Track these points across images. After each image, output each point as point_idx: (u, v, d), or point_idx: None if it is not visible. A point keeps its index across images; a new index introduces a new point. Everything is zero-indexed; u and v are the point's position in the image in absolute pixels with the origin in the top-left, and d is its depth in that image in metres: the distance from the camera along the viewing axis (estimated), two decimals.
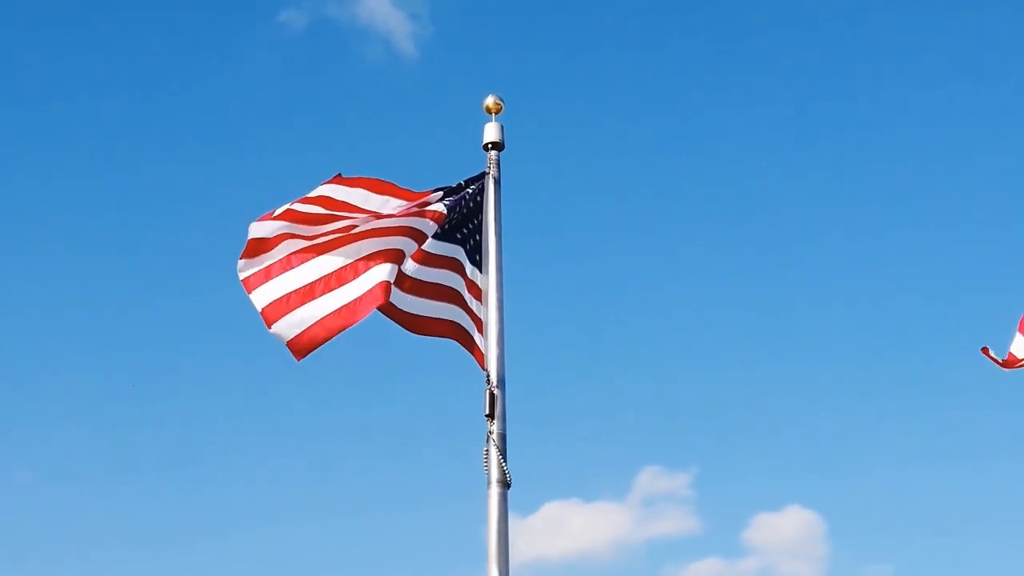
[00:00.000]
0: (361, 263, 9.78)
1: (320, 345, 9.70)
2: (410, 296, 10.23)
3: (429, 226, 10.19)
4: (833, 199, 35.89)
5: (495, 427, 9.87)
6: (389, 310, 9.97)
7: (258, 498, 30.76)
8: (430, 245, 10.33)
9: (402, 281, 10.00)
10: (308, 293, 9.76)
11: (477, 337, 10.33)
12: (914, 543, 30.60)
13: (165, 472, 30.73)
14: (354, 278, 9.77)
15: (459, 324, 10.35)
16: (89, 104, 34.60)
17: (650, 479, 32.36)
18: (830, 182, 35.96)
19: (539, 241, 30.97)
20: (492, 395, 9.98)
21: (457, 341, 10.32)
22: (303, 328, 9.70)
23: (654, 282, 35.27)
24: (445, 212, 10.29)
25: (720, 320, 34.66)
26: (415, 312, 10.26)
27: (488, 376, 10.09)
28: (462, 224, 10.55)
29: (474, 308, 10.43)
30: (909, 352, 34.27)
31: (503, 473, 9.74)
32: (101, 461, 30.92)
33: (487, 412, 9.92)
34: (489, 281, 10.48)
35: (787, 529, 32.32)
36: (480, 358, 10.23)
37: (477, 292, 10.51)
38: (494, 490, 9.66)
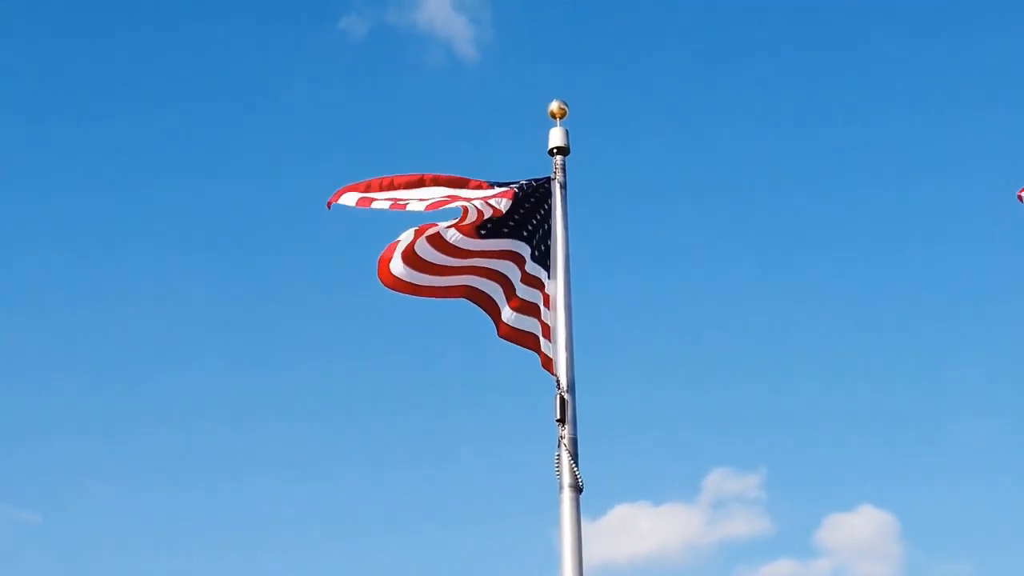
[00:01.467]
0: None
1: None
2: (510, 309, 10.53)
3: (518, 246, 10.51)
4: (908, 202, 35.55)
5: (566, 432, 9.88)
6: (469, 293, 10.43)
7: (334, 502, 30.90)
8: (528, 266, 10.58)
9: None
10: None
11: (544, 343, 10.35)
12: (992, 542, 30.20)
13: (259, 475, 30.94)
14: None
15: (534, 335, 10.46)
16: (153, 111, 34.98)
17: (720, 480, 32.20)
18: (908, 185, 35.61)
19: (605, 245, 30.91)
20: (562, 400, 9.99)
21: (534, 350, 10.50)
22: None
23: (721, 284, 35.13)
24: (503, 210, 10.39)
25: (789, 321, 34.44)
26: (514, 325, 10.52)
27: (558, 381, 10.11)
28: (525, 222, 10.57)
29: (545, 317, 10.47)
30: (984, 351, 33.85)
31: (575, 478, 9.74)
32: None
33: (558, 417, 9.94)
34: (557, 287, 10.50)
35: (860, 529, 32.03)
36: (548, 363, 10.25)
37: (547, 299, 10.52)
38: (566, 494, 9.67)
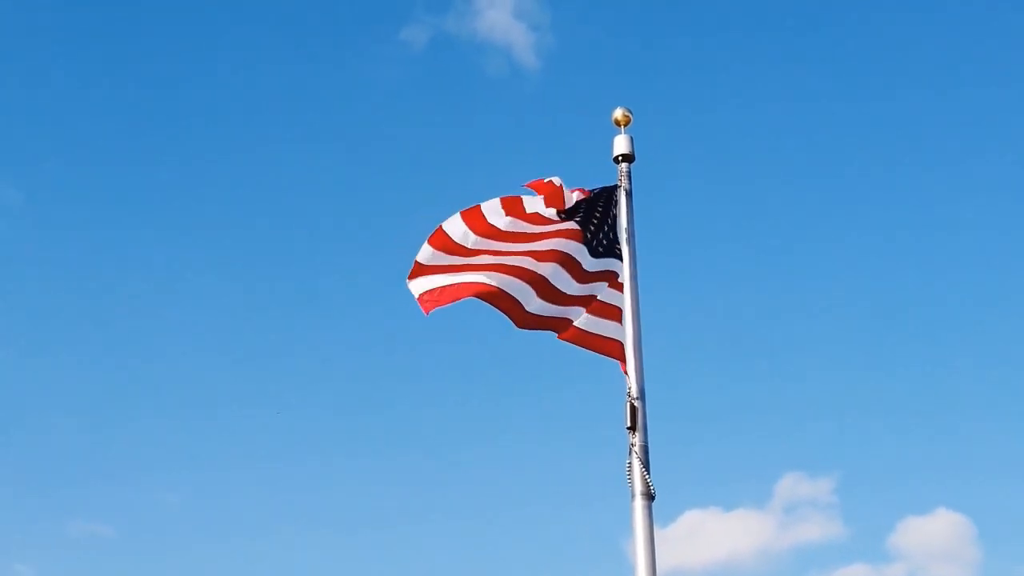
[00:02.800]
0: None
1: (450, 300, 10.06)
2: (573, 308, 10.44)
3: (573, 246, 10.40)
4: (982, 196, 35.11)
5: (637, 439, 9.86)
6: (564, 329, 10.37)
7: (413, 500, 30.96)
8: (589, 264, 10.54)
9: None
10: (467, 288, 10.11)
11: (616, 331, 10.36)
12: None
13: (335, 458, 31.09)
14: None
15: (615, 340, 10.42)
16: (215, 126, 35.32)
17: (791, 485, 31.96)
18: (977, 180, 35.19)
19: (672, 252, 30.81)
20: (633, 407, 9.98)
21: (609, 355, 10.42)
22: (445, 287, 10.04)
23: (790, 287, 34.89)
24: (580, 229, 10.41)
25: (860, 323, 34.13)
26: (590, 330, 10.44)
27: (629, 388, 10.10)
28: (597, 233, 10.58)
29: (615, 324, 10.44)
30: None
31: (647, 485, 9.71)
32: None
33: (628, 424, 9.93)
34: (625, 294, 10.49)
35: (935, 533, 31.64)
36: (619, 352, 10.25)
37: (617, 304, 10.52)
38: (638, 502, 9.65)
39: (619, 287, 10.48)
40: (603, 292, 10.53)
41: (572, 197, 10.50)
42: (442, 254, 10.24)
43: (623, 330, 10.29)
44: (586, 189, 10.63)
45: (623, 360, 10.20)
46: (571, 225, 10.47)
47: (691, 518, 30.71)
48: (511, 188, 10.69)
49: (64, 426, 30.63)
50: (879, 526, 32.43)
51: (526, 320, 10.34)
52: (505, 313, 10.24)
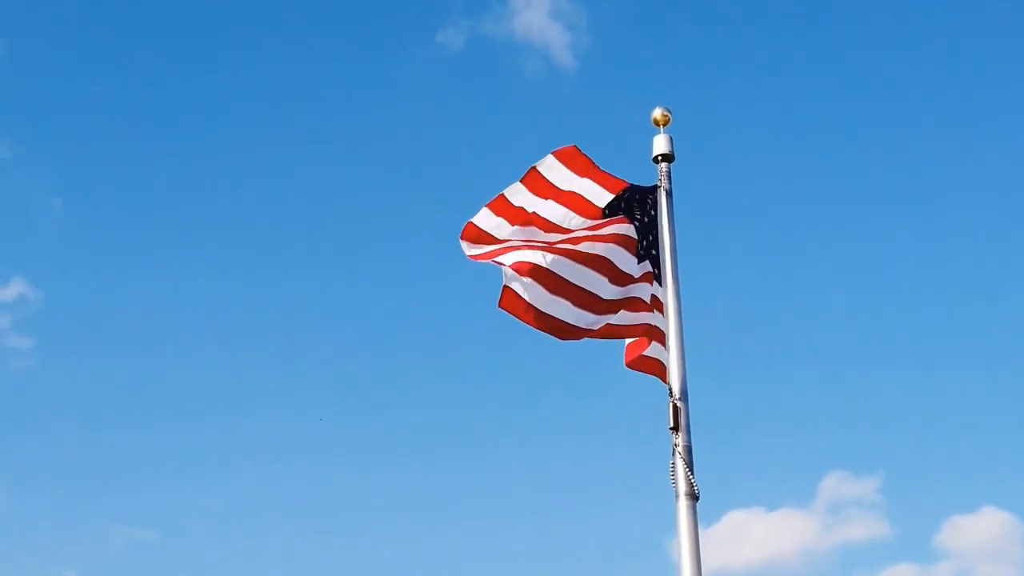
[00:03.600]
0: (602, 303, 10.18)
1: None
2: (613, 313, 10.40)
3: (628, 257, 10.42)
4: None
5: (680, 439, 9.82)
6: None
7: (458, 501, 31.01)
8: (635, 270, 10.49)
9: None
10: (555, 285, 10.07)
11: (657, 349, 10.30)
12: None
13: (408, 460, 31.15)
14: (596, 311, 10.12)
15: (648, 325, 10.44)
16: (253, 131, 35.49)
17: (835, 485, 31.78)
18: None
19: (714, 252, 30.70)
20: (676, 408, 9.94)
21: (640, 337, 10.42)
22: (533, 306, 9.96)
23: (833, 286, 34.71)
24: (636, 237, 10.43)
25: (905, 321, 33.90)
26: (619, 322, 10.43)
27: (671, 389, 10.06)
28: (643, 237, 10.58)
29: (657, 323, 10.44)
30: None
31: (691, 486, 9.67)
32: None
33: (671, 425, 9.88)
34: (667, 294, 10.47)
35: (982, 531, 31.37)
36: (662, 371, 10.21)
37: (659, 305, 10.50)
38: (682, 503, 9.61)
39: (660, 305, 10.43)
40: (645, 292, 10.49)
41: (600, 192, 10.46)
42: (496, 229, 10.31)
43: (665, 352, 10.24)
44: (618, 178, 10.61)
45: (663, 376, 10.15)
46: (616, 229, 10.43)
47: (734, 518, 30.61)
48: None
49: (106, 432, 30.87)
50: (925, 525, 32.23)
51: (573, 333, 10.33)
52: (551, 332, 10.23)
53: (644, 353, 10.35)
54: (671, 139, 11.05)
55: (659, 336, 10.33)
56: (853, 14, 36.32)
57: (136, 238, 33.86)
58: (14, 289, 31.79)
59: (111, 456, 30.61)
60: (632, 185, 10.70)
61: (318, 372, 32.79)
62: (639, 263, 10.49)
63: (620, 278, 10.41)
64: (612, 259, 10.34)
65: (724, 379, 29.74)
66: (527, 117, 35.57)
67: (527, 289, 10.00)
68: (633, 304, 10.45)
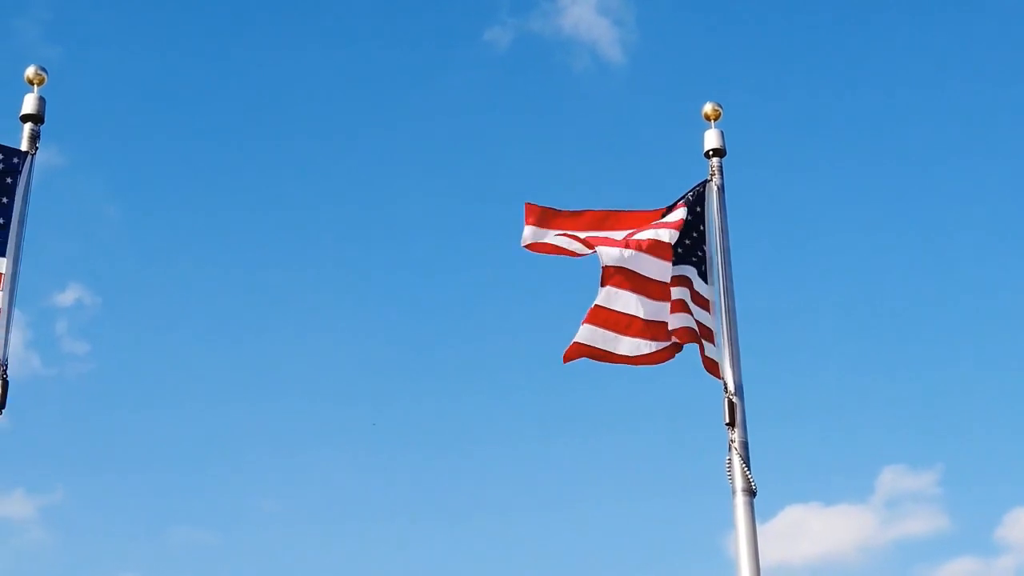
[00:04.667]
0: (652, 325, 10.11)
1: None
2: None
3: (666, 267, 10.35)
4: None
5: (736, 435, 9.78)
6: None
7: (518, 495, 30.99)
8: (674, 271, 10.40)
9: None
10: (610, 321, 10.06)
11: (707, 345, 10.25)
12: None
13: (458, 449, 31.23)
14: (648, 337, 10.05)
15: (693, 330, 10.32)
16: (300, 131, 35.67)
17: (893, 479, 31.49)
18: None
19: (767, 246, 30.49)
20: (731, 403, 9.90)
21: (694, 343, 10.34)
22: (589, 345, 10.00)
23: (888, 279, 34.40)
24: (669, 240, 10.36)
25: (960, 312, 33.56)
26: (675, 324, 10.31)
27: (725, 384, 10.03)
28: (685, 237, 10.48)
29: (703, 319, 10.36)
30: None
31: (748, 481, 9.63)
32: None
33: (727, 420, 9.85)
34: (719, 289, 10.40)
35: None
36: (712, 367, 10.18)
37: (704, 303, 10.45)
38: (739, 499, 9.58)
39: (705, 304, 10.37)
40: (686, 295, 10.39)
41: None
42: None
43: (716, 349, 10.20)
44: (680, 220, 10.50)
45: (715, 373, 10.10)
46: (652, 235, 10.40)
47: (791, 513, 30.39)
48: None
49: (163, 435, 31.16)
50: (986, 519, 31.85)
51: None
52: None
53: (690, 327, 10.29)
54: (722, 134, 11.01)
55: (707, 334, 10.27)
56: (907, 4, 35.99)
57: (190, 243, 34.14)
58: (71, 295, 32.15)
59: (169, 457, 30.88)
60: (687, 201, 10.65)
61: (372, 371, 32.91)
62: (674, 265, 10.37)
63: (659, 292, 10.35)
64: (645, 273, 10.27)
65: (780, 374, 29.53)
66: (576, 114, 35.50)
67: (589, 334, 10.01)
68: (674, 306, 10.38)
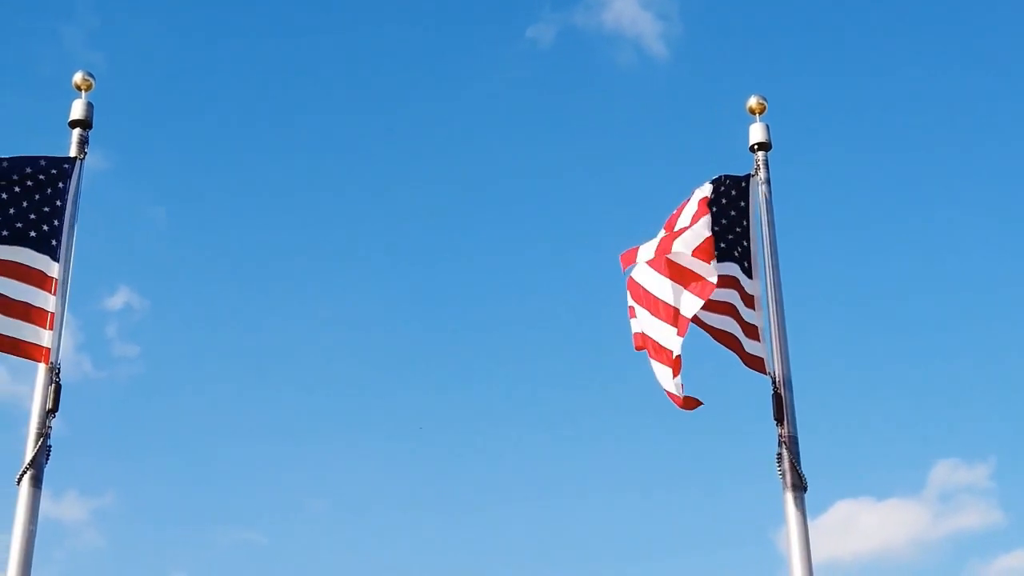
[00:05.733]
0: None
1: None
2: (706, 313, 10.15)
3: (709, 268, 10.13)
4: None
5: (784, 430, 9.72)
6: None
7: (579, 489, 30.95)
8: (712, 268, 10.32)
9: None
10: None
11: (748, 343, 10.17)
12: None
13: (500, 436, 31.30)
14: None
15: (732, 334, 10.21)
16: (346, 125, 35.77)
17: (946, 473, 31.21)
18: None
19: (815, 240, 30.26)
20: (778, 398, 9.85)
21: (735, 352, 10.21)
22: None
23: (938, 271, 34.09)
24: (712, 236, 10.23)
25: (1011, 303, 33.23)
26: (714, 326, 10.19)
27: (773, 379, 9.97)
28: (727, 232, 10.38)
29: (747, 317, 10.24)
30: None
31: (798, 476, 9.57)
32: None
33: (775, 416, 9.80)
34: (766, 284, 10.32)
35: None
36: (757, 363, 10.13)
37: (749, 299, 10.38)
38: (790, 494, 9.51)
39: (749, 300, 10.29)
40: (731, 297, 10.23)
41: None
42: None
43: (759, 345, 10.13)
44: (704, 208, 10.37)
45: (761, 369, 10.05)
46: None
47: (842, 508, 30.19)
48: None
49: (212, 436, 31.36)
50: None
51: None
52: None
53: (732, 333, 10.20)
54: (767, 127, 10.94)
55: (752, 331, 10.18)
56: None
57: (237, 245, 34.36)
58: (120, 298, 32.43)
59: (218, 459, 31.09)
60: (724, 177, 10.53)
61: (423, 372, 33.01)
62: (719, 262, 10.27)
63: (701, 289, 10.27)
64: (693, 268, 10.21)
65: (830, 368, 29.32)
66: (621, 108, 35.39)
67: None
68: (719, 308, 10.29)
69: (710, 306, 10.01)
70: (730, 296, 10.22)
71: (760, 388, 10.00)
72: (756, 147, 10.86)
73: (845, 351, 31.56)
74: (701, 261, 9.80)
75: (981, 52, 34.62)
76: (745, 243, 10.45)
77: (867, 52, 34.91)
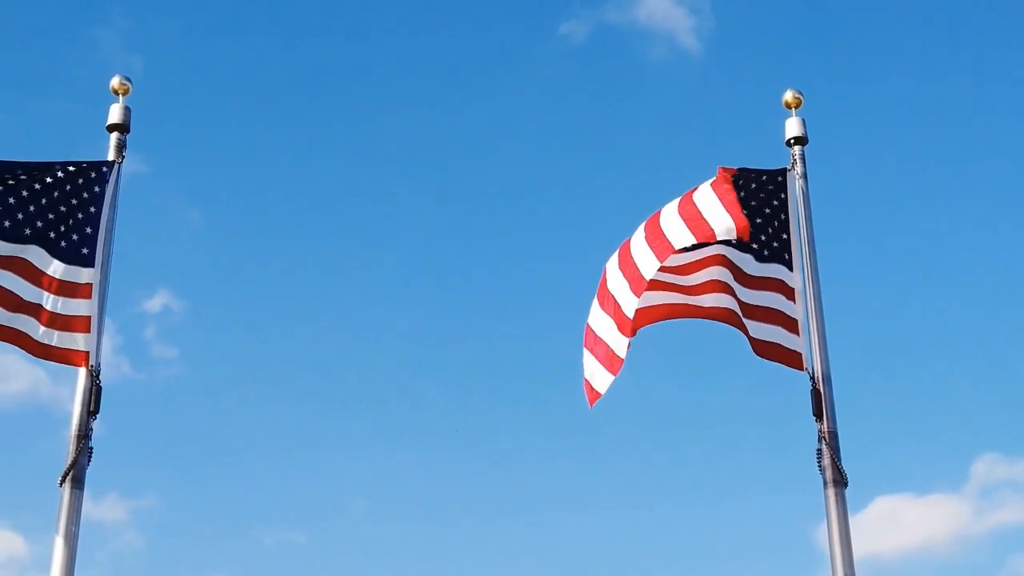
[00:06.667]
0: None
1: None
2: (746, 320, 10.15)
3: (737, 255, 10.22)
4: None
5: (824, 426, 9.67)
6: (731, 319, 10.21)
7: (619, 489, 30.93)
8: (753, 268, 10.29)
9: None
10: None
11: (787, 337, 10.11)
12: None
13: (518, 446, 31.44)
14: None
15: (782, 345, 10.11)
16: (380, 122, 35.89)
17: (988, 467, 30.97)
18: None
19: (853, 234, 30.08)
20: (817, 393, 9.79)
21: (781, 363, 10.11)
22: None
23: (979, 265, 33.87)
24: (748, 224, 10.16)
25: None
26: (756, 336, 10.17)
27: (811, 375, 9.91)
28: (767, 225, 10.34)
29: (789, 311, 10.17)
30: None
31: (838, 472, 9.51)
32: None
33: (814, 411, 9.74)
34: (804, 278, 10.26)
35: None
36: (796, 359, 10.07)
37: (790, 293, 10.30)
38: (831, 490, 9.46)
39: (790, 294, 10.25)
40: (776, 301, 10.24)
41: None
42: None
43: (798, 340, 10.08)
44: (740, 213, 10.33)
45: (799, 365, 9.99)
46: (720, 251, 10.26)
47: (883, 504, 30.01)
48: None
49: (251, 437, 31.53)
50: None
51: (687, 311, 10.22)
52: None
53: (776, 342, 10.14)
54: (803, 121, 10.89)
55: (792, 325, 10.13)
56: None
57: (275, 247, 34.53)
58: (159, 300, 32.63)
59: (258, 458, 31.24)
60: (748, 170, 10.46)
61: (465, 376, 33.07)
62: (762, 262, 10.23)
63: (745, 279, 10.22)
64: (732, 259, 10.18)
65: (869, 363, 29.13)
66: (655, 104, 35.32)
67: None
68: (760, 315, 10.24)
69: (753, 313, 10.05)
70: (774, 300, 10.20)
71: (799, 384, 9.95)
72: (792, 141, 10.80)
73: (884, 346, 31.38)
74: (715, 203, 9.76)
75: None
76: (785, 236, 10.40)
77: (908, 44, 34.68)
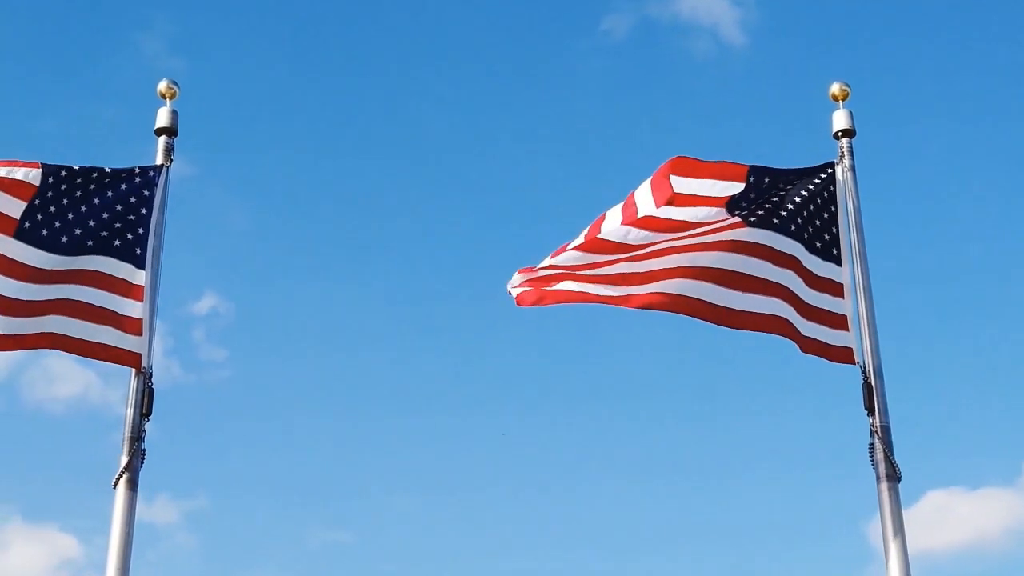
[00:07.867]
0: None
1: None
2: (723, 288, 9.89)
3: (785, 242, 10.04)
4: None
5: (876, 420, 9.62)
6: (696, 307, 9.86)
7: (671, 480, 30.84)
8: (755, 235, 9.99)
9: (706, 273, 9.88)
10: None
11: (806, 326, 10.00)
12: None
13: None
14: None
15: (781, 317, 9.91)
16: (418, 123, 35.93)
17: None
18: None
19: (903, 227, 29.86)
20: (869, 387, 9.74)
21: (776, 334, 9.93)
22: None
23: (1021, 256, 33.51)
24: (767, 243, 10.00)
25: None
26: (727, 305, 9.88)
27: (863, 369, 9.85)
28: (796, 215, 10.23)
29: (835, 307, 10.07)
30: None
31: (891, 466, 9.45)
32: None
33: (865, 405, 9.69)
34: (854, 271, 10.19)
35: None
36: (846, 355, 9.95)
37: (838, 288, 10.21)
38: (884, 485, 9.40)
39: (839, 289, 10.16)
40: (829, 303, 10.10)
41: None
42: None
43: (848, 335, 9.99)
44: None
45: (850, 360, 9.92)
46: (736, 236, 10.05)
47: (934, 498, 29.79)
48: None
49: (302, 436, 31.69)
50: None
51: (720, 316, 9.90)
52: (694, 315, 9.90)
53: (823, 340, 10.03)
54: (851, 114, 10.81)
55: (840, 321, 10.04)
56: None
57: (321, 248, 34.66)
58: (207, 303, 32.86)
59: (306, 459, 31.39)
60: (772, 169, 10.38)
61: (505, 371, 33.06)
62: (818, 258, 10.14)
63: (810, 278, 10.11)
64: (738, 269, 10.05)
65: (921, 356, 28.91)
66: (700, 99, 35.18)
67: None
68: (822, 316, 10.13)
69: (805, 311, 9.94)
70: (822, 300, 10.09)
71: (850, 377, 9.89)
72: (840, 134, 10.73)
73: (935, 338, 31.13)
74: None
75: None
76: (834, 230, 10.32)
77: (951, 34, 34.36)
